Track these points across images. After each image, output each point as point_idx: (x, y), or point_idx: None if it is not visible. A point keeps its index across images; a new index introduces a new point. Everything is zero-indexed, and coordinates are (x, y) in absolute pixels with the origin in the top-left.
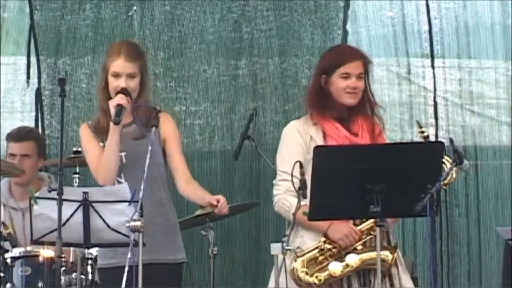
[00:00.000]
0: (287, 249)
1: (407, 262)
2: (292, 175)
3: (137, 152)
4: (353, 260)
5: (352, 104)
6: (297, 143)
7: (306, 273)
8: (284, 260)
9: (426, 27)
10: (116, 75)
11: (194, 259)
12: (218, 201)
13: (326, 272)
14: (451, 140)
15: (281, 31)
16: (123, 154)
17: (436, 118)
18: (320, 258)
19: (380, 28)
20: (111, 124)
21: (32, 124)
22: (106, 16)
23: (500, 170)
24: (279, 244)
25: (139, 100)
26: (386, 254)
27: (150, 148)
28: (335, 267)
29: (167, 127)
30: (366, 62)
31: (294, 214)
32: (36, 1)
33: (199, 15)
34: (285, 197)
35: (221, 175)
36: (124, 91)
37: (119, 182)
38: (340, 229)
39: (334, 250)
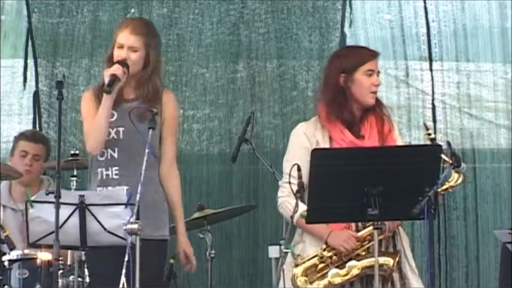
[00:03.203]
0: (285, 252)
1: None
2: (289, 178)
3: (135, 130)
4: (352, 267)
5: (372, 104)
6: (302, 146)
7: (306, 281)
8: (281, 262)
9: (424, 30)
10: (120, 46)
11: None
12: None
13: (326, 280)
14: (449, 143)
15: (279, 34)
16: (121, 129)
17: (434, 121)
18: (320, 265)
19: (378, 31)
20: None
21: (30, 126)
22: (103, 19)
23: (498, 173)
24: (277, 247)
25: (143, 74)
26: (387, 260)
27: (147, 150)
28: (335, 275)
29: (169, 108)
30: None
31: (292, 217)
32: (33, 4)
33: (197, 18)
34: (288, 200)
35: (219, 178)
36: (122, 62)
37: (112, 156)
38: (339, 235)
39: (334, 257)
